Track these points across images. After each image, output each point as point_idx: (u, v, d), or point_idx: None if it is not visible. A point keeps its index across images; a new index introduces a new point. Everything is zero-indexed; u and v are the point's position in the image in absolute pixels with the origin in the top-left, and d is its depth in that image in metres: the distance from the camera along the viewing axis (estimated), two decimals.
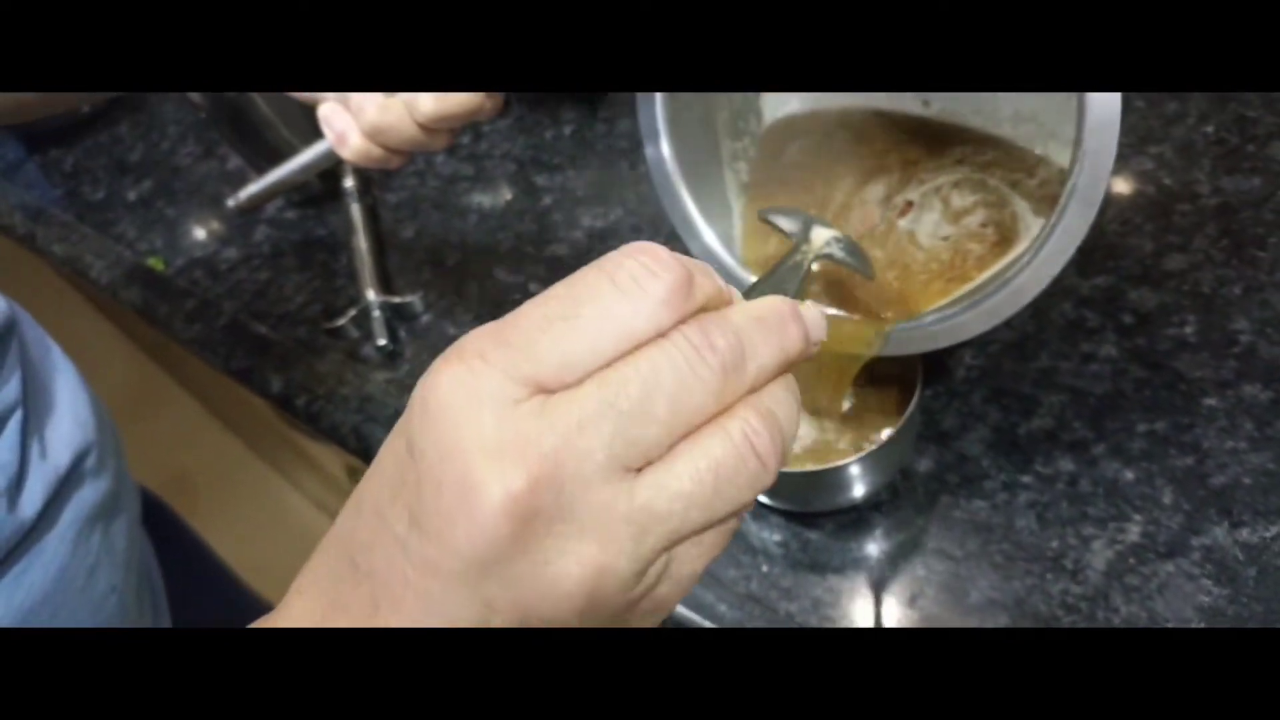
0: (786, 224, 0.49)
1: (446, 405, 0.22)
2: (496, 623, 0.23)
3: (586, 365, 0.22)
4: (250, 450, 1.63)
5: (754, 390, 0.24)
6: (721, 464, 0.23)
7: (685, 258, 0.24)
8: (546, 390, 0.22)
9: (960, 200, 0.56)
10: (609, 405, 0.22)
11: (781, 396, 0.24)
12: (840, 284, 0.53)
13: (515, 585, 0.22)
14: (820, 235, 0.47)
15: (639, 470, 0.22)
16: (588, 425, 0.22)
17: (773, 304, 0.25)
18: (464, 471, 0.21)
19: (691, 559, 0.24)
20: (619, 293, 0.23)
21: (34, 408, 0.51)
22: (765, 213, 0.50)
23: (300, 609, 0.26)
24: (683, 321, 0.23)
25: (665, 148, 0.53)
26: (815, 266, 0.48)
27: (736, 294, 0.26)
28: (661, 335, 0.23)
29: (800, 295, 0.37)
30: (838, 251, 0.47)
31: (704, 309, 0.24)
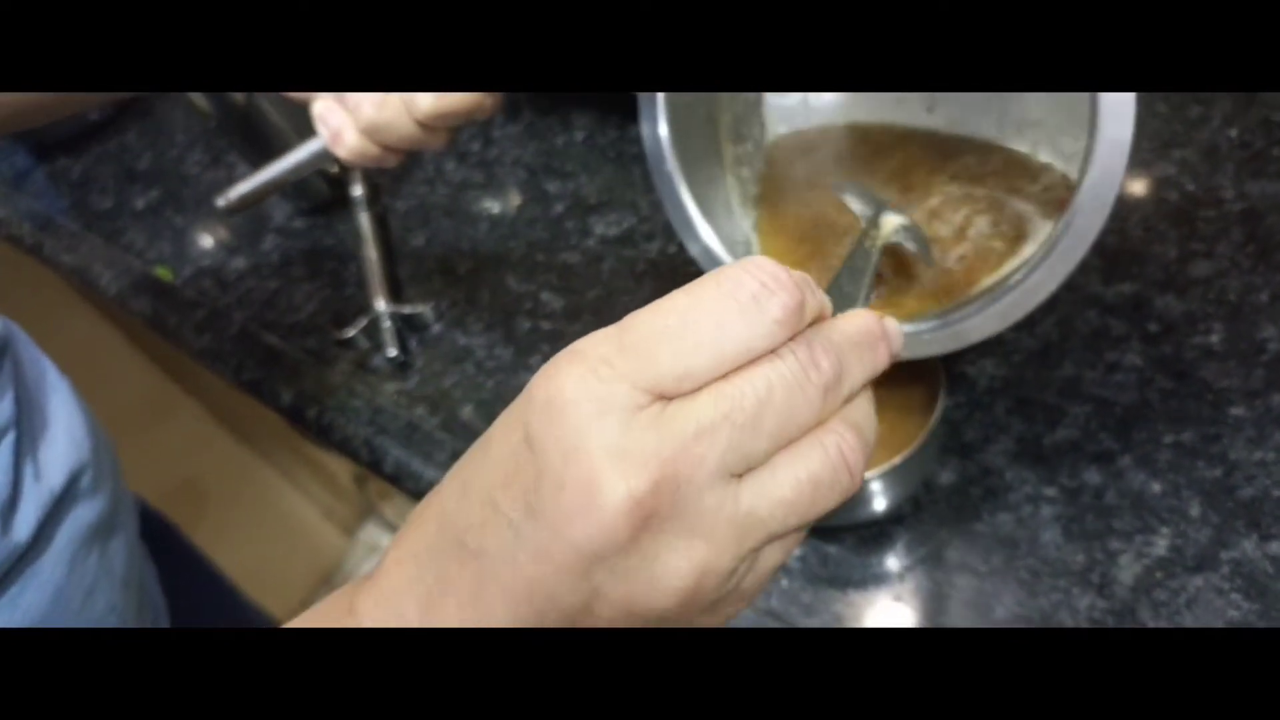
0: (857, 205, 0.49)
1: (571, 404, 0.23)
2: (600, 610, 0.24)
3: (704, 377, 0.24)
4: (260, 458, 1.63)
5: (846, 404, 0.26)
6: (819, 475, 0.25)
7: (796, 274, 0.25)
8: (665, 398, 0.24)
9: (967, 210, 0.55)
10: (725, 418, 0.23)
11: (866, 410, 0.26)
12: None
13: (626, 577, 0.24)
14: (890, 222, 0.47)
15: (742, 476, 0.24)
16: (704, 435, 0.23)
17: (866, 323, 0.27)
18: (589, 473, 0.23)
19: (774, 554, 0.26)
20: (739, 310, 0.24)
21: (27, 428, 0.50)
22: (839, 187, 0.50)
23: (401, 578, 0.27)
24: (792, 338, 0.25)
25: (663, 131, 0.52)
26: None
27: (828, 302, 0.27)
28: (773, 352, 0.24)
29: (872, 285, 0.38)
30: (906, 240, 0.47)
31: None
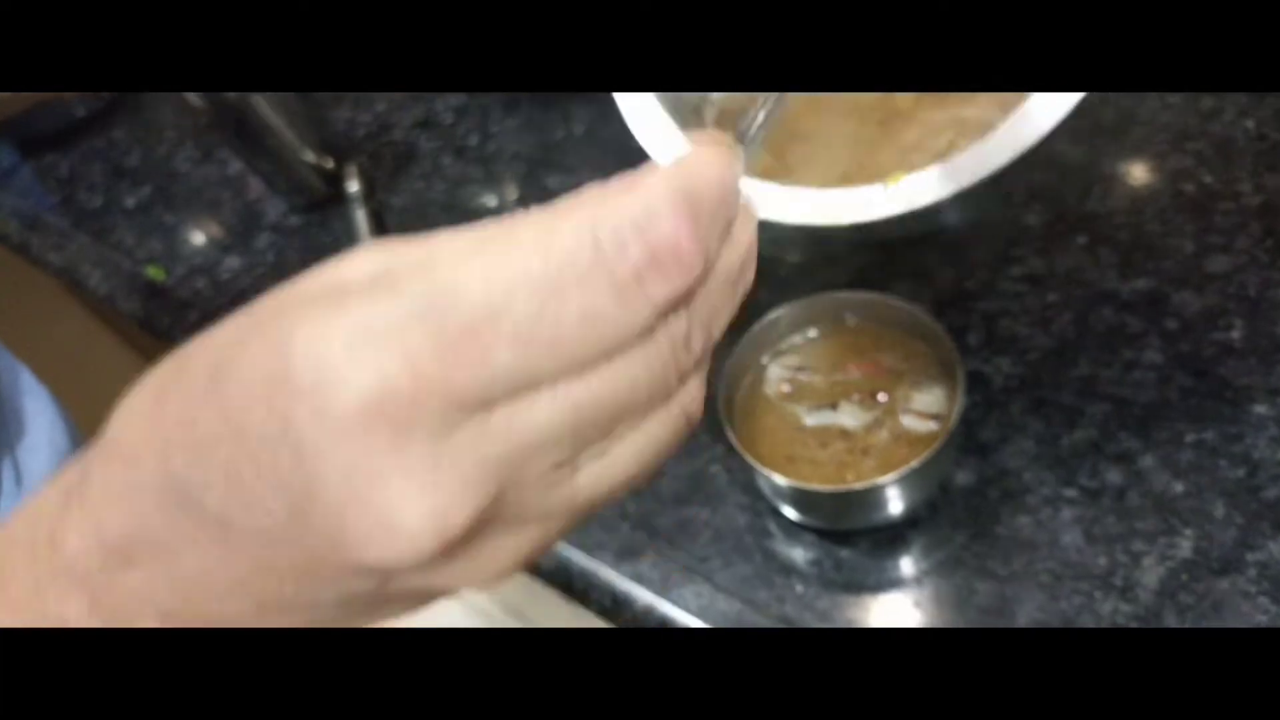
0: None
1: (358, 425, 0.18)
2: (394, 595, 0.21)
3: (551, 379, 0.19)
4: None
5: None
6: (661, 441, 0.21)
7: (704, 221, 0.20)
8: (493, 406, 0.18)
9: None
10: (571, 432, 0.19)
11: (707, 343, 0.22)
12: None
13: (433, 577, 0.20)
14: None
15: (577, 465, 0.20)
16: (538, 452, 0.19)
17: (747, 250, 0.22)
18: (384, 512, 0.18)
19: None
20: (615, 293, 0.18)
21: (3, 434, 0.49)
22: None
23: (123, 515, 0.21)
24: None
25: None
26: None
27: (746, 204, 0.22)
28: (644, 334, 0.19)
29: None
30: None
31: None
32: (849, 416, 0.53)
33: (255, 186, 0.90)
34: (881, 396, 0.53)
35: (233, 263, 0.84)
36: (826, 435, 0.53)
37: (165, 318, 0.81)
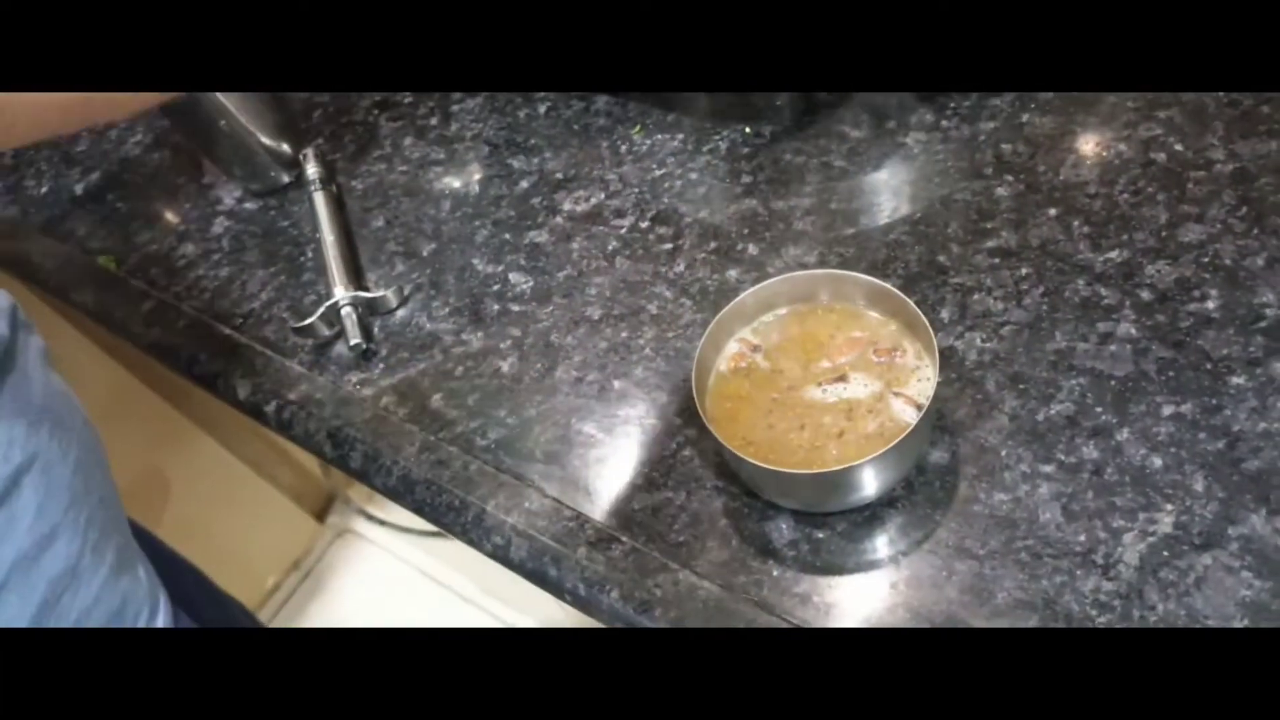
0: None
1: None
2: None
3: None
4: (224, 446, 1.58)
5: None
6: None
7: None
8: None
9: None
10: None
11: None
12: None
13: None
14: None
15: None
16: None
17: None
18: None
19: None
20: None
21: None
22: None
23: None
24: None
25: None
26: None
27: None
28: None
29: None
30: None
31: None
32: (823, 396, 0.52)
33: (210, 171, 0.87)
34: (855, 375, 0.52)
35: (188, 251, 0.81)
36: (801, 416, 0.52)
37: (119, 309, 0.78)
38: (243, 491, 1.63)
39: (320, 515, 1.80)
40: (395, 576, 1.72)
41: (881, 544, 0.51)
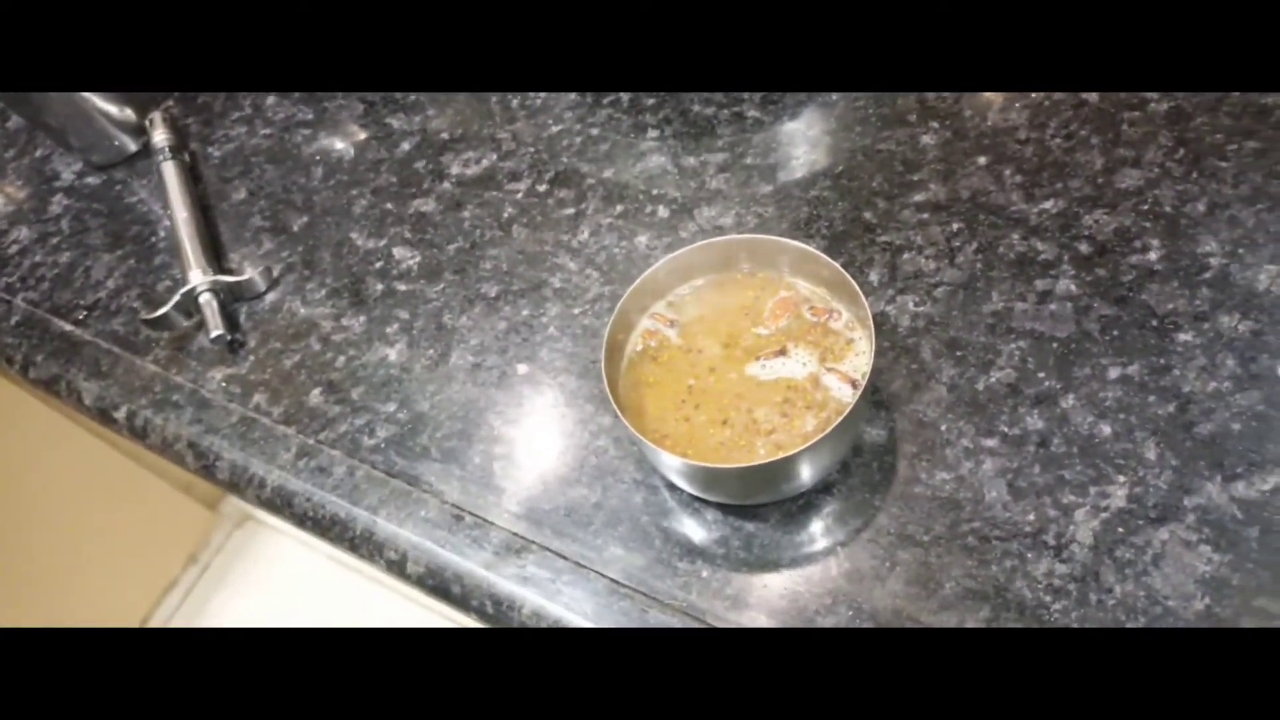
0: None
1: None
2: None
3: None
4: (103, 441, 1.46)
5: None
6: None
7: None
8: None
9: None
10: None
11: None
12: None
13: None
14: None
15: None
16: None
17: None
18: None
19: None
20: None
21: None
22: None
23: None
24: None
25: None
26: None
27: None
28: None
29: None
30: None
31: None
32: (746, 374, 0.47)
33: (43, 143, 0.77)
34: (785, 350, 0.47)
35: (20, 235, 0.71)
36: (724, 398, 0.46)
37: None
38: (123, 485, 1.52)
39: (214, 504, 1.69)
40: (303, 563, 1.63)
41: (818, 534, 0.47)
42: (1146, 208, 0.52)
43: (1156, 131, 0.54)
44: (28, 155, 0.77)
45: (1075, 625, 0.41)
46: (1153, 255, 0.50)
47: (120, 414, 0.59)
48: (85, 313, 0.64)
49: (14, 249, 0.70)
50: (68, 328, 0.64)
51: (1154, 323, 0.48)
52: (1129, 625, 0.41)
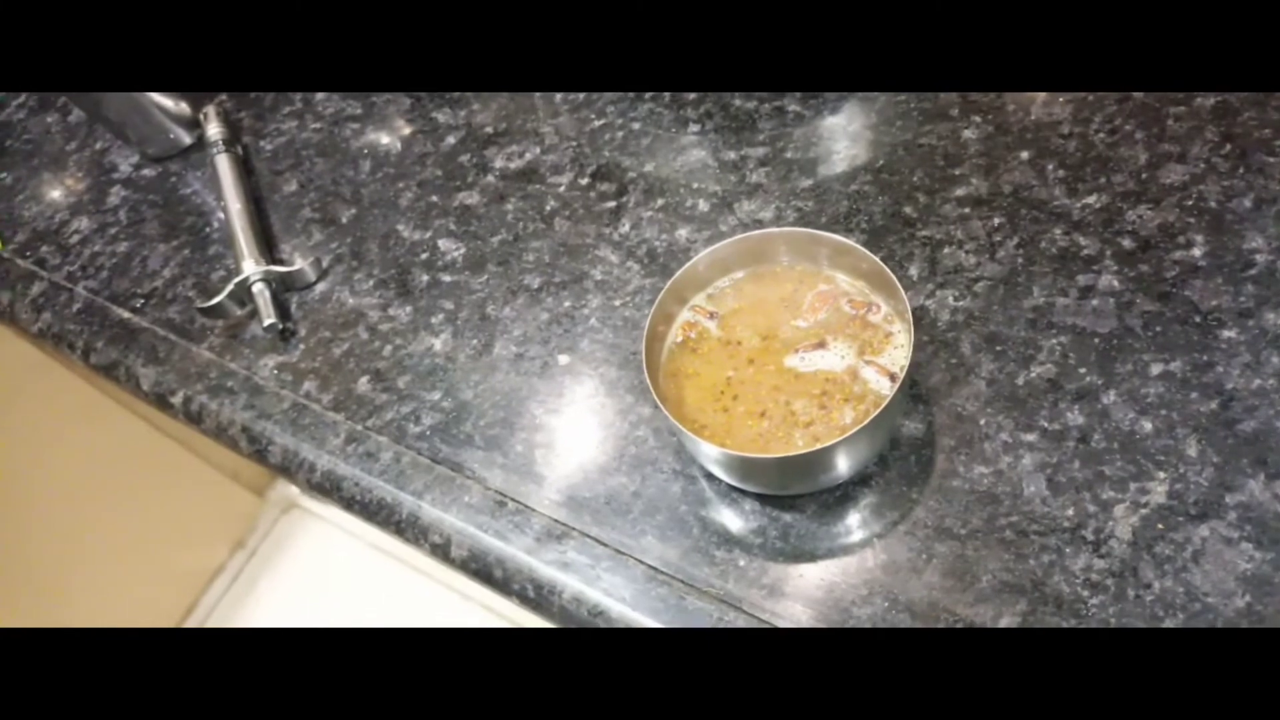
0: None
1: None
2: None
3: None
4: (153, 429, 1.50)
5: None
6: None
7: None
8: None
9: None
10: None
11: None
12: None
13: None
14: None
15: None
16: None
17: None
18: None
19: None
20: None
21: None
22: None
23: None
24: None
25: None
26: None
27: None
28: None
29: None
30: None
31: None
32: (785, 367, 0.47)
33: (102, 136, 0.79)
34: (824, 343, 0.47)
35: (81, 225, 0.73)
36: (762, 389, 0.47)
37: (4, 293, 0.71)
38: (174, 471, 1.55)
39: (261, 490, 1.73)
40: (347, 551, 1.66)
41: (855, 526, 0.47)
42: (1191, 203, 0.52)
43: (1202, 126, 0.54)
44: (88, 148, 0.79)
45: (1113, 620, 0.41)
46: (1197, 251, 0.50)
47: (177, 399, 0.61)
48: (142, 301, 0.67)
49: (75, 239, 0.72)
50: (126, 315, 0.66)
51: (1197, 319, 0.48)
52: (1167, 621, 0.41)
